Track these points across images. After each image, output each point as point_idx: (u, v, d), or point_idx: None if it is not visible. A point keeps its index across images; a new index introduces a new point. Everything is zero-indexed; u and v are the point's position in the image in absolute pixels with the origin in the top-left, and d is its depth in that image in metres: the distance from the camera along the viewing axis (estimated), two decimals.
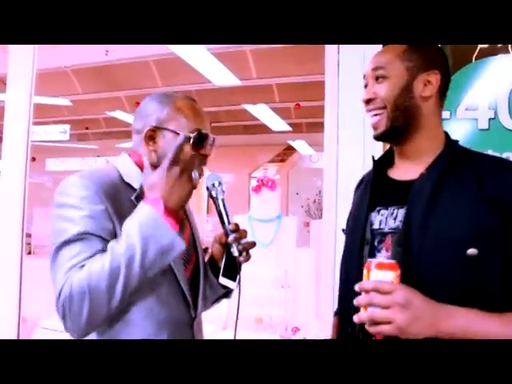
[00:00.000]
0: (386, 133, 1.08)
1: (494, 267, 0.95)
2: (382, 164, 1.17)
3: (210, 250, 1.31)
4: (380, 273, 0.89)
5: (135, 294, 1.05)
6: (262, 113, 6.34)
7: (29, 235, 6.81)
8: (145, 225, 1.02)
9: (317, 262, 2.53)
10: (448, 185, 1.01)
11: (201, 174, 1.17)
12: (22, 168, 2.49)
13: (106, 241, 1.05)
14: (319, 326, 2.37)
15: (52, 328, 2.83)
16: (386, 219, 1.06)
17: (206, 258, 1.33)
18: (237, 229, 1.18)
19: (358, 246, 1.08)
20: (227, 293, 1.30)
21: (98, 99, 6.17)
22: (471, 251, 0.94)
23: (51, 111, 6.32)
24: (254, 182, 3.31)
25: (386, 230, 1.06)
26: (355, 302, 0.90)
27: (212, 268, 1.27)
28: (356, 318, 0.89)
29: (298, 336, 2.54)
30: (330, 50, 2.14)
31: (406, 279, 0.91)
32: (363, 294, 0.89)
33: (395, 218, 1.05)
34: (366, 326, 0.88)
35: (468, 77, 1.95)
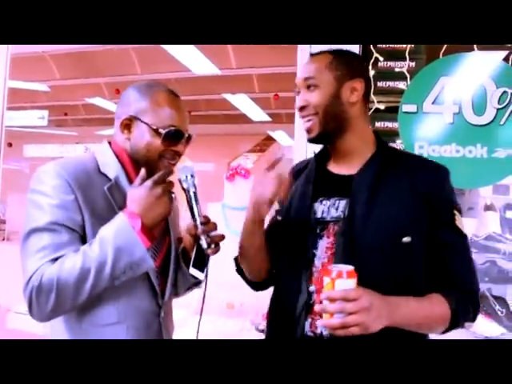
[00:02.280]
0: (319, 136, 1.18)
1: (419, 253, 1.10)
2: (322, 158, 1.26)
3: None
4: (344, 281, 0.96)
5: None
6: (242, 103, 6.36)
7: (3, 221, 6.77)
8: (120, 237, 1.06)
9: None
10: (384, 180, 1.14)
11: (171, 172, 1.19)
12: None
13: (73, 231, 1.09)
14: None
15: (25, 312, 2.83)
16: (329, 209, 1.16)
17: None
18: (207, 221, 1.19)
19: (304, 233, 1.17)
20: (198, 282, 1.32)
21: (77, 85, 6.12)
22: (406, 239, 1.09)
23: (28, 96, 6.25)
24: (227, 171, 3.36)
25: (328, 218, 1.16)
26: (319, 309, 0.97)
27: (184, 258, 1.29)
28: (324, 323, 0.97)
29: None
30: (303, 46, 2.19)
31: (348, 264, 0.99)
32: (327, 302, 0.95)
33: (337, 209, 1.15)
34: (333, 331, 0.96)
35: (435, 72, 2.01)
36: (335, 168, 1.23)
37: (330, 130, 1.18)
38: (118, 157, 1.21)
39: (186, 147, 1.24)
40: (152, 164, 1.20)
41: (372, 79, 2.27)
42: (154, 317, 1.22)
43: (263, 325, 2.61)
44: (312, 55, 1.24)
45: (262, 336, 2.52)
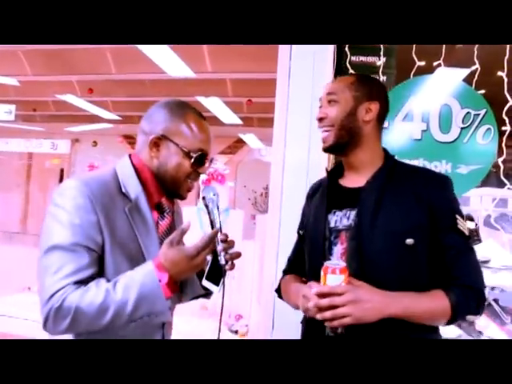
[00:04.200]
0: (332, 147, 1.32)
1: (423, 255, 1.23)
2: (334, 174, 1.40)
3: None
4: (334, 277, 1.11)
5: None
6: (214, 105, 6.41)
7: None
8: (145, 286, 1.08)
9: (261, 254, 2.65)
10: (389, 190, 1.27)
11: (191, 188, 1.26)
12: None
13: (93, 251, 1.10)
14: (261, 314, 2.53)
15: (7, 315, 2.83)
16: (341, 219, 1.31)
17: None
18: (226, 239, 1.19)
19: (320, 241, 1.32)
20: (207, 294, 1.34)
21: (49, 82, 6.03)
22: (409, 241, 1.21)
23: None
24: (203, 176, 3.39)
25: (341, 227, 1.30)
26: (313, 304, 1.12)
27: None
28: (318, 316, 1.12)
29: (241, 323, 2.69)
30: (283, 50, 2.28)
31: (359, 266, 1.21)
32: (318, 298, 1.11)
33: (348, 218, 1.30)
34: (329, 323, 1.12)
35: (406, 91, 2.15)
36: (346, 182, 1.37)
37: (343, 142, 1.31)
38: (139, 174, 1.23)
39: (208, 168, 1.30)
40: (177, 183, 1.23)
41: None
42: (158, 329, 1.26)
43: (236, 326, 2.69)
44: (337, 76, 1.39)
45: (235, 337, 2.60)
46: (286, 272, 1.55)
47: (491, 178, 2.31)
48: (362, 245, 1.23)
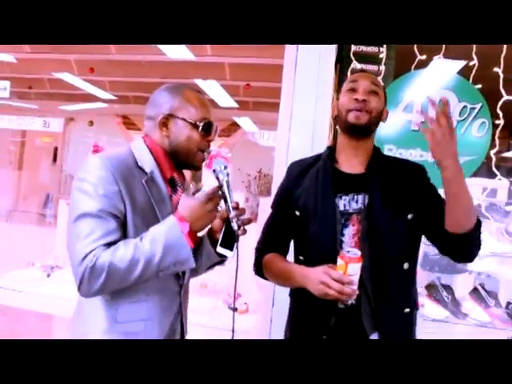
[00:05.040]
0: (364, 127, 1.45)
1: (417, 227, 1.46)
2: (331, 159, 1.53)
3: None
4: (355, 266, 1.27)
5: None
6: (212, 88, 6.43)
7: None
8: (170, 237, 1.19)
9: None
10: (387, 175, 1.46)
11: (204, 159, 1.37)
12: None
13: (118, 218, 1.20)
14: (259, 293, 2.63)
15: (6, 287, 2.91)
16: (349, 203, 1.45)
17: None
18: (237, 206, 1.30)
19: (332, 224, 1.44)
20: (222, 261, 1.44)
21: (46, 59, 6.00)
22: (410, 216, 1.43)
23: None
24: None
25: (351, 210, 1.45)
26: (338, 291, 1.26)
27: (210, 238, 1.40)
28: (342, 299, 1.31)
29: (240, 301, 2.79)
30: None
31: (371, 244, 1.40)
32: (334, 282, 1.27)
33: (357, 202, 1.45)
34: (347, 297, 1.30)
35: (406, 83, 2.24)
36: (343, 167, 1.51)
37: (370, 128, 1.47)
38: (152, 152, 1.33)
39: (216, 136, 1.38)
40: (191, 155, 1.34)
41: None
42: (176, 295, 1.37)
43: (236, 304, 2.78)
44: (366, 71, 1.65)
45: (235, 314, 2.69)
46: (262, 250, 1.60)
47: (482, 169, 2.41)
48: (375, 224, 1.41)
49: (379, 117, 1.49)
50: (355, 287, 1.28)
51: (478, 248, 1.42)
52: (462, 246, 1.38)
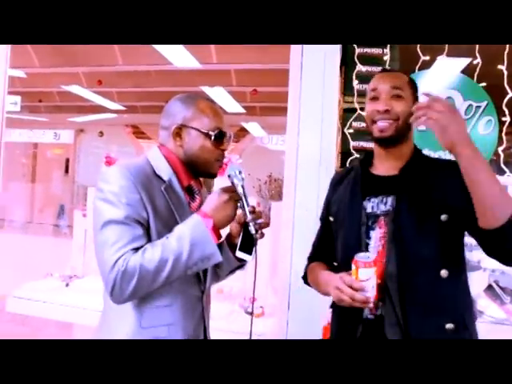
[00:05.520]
0: (391, 138, 1.38)
1: (454, 229, 1.33)
2: (365, 164, 1.49)
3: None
4: (365, 270, 1.23)
5: None
6: (219, 95, 6.49)
7: None
8: (195, 235, 1.22)
9: (275, 239, 2.71)
10: (421, 177, 1.36)
11: (220, 166, 1.38)
12: None
13: (142, 225, 1.23)
14: (275, 298, 2.66)
15: (23, 297, 2.97)
16: (378, 205, 1.40)
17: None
18: (254, 210, 1.31)
19: (357, 226, 1.40)
20: (241, 265, 1.45)
21: (55, 73, 6.11)
22: (443, 217, 1.31)
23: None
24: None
25: (379, 212, 1.39)
26: (349, 297, 1.24)
27: (229, 244, 1.41)
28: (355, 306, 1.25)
29: (256, 305, 2.82)
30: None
31: (398, 247, 1.31)
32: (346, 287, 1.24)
33: (385, 204, 1.39)
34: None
35: None
36: (377, 171, 1.46)
37: (401, 135, 1.39)
38: (168, 161, 1.35)
39: (230, 145, 1.40)
40: (207, 163, 1.36)
41: (352, 81, 2.51)
42: (198, 301, 1.38)
43: (251, 308, 2.82)
44: (388, 71, 1.50)
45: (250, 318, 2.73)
46: (311, 259, 1.62)
47: (491, 166, 2.42)
48: (401, 226, 1.33)
49: (408, 119, 1.31)
50: (369, 294, 1.24)
51: None
52: (499, 244, 1.21)
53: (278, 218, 2.49)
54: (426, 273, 1.32)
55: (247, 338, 1.39)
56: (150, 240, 1.25)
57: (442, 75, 2.24)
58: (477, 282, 2.55)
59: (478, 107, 2.18)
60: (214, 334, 1.49)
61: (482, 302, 2.39)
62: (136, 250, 1.20)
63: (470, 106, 2.19)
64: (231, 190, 1.30)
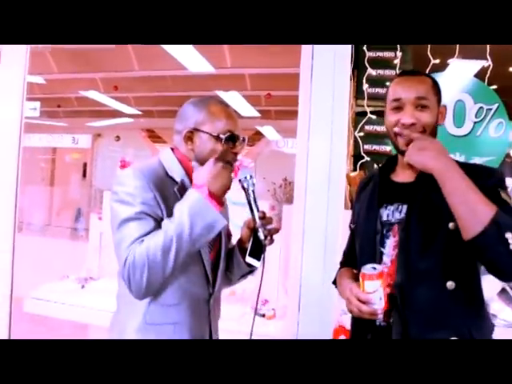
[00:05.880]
0: None
1: (461, 238, 1.20)
2: (386, 170, 1.44)
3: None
4: (371, 283, 1.20)
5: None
6: (233, 99, 6.53)
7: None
8: (192, 206, 1.21)
9: (286, 242, 2.71)
10: (436, 183, 1.22)
11: (232, 170, 1.32)
12: (16, 145, 2.55)
13: (156, 221, 1.24)
14: (287, 300, 2.67)
15: (41, 298, 3.03)
16: (393, 213, 1.34)
17: (235, 242, 1.47)
18: (264, 216, 1.30)
19: (372, 234, 1.36)
20: (252, 271, 1.45)
21: (73, 79, 6.21)
22: (451, 225, 1.22)
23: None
24: None
25: (393, 220, 1.34)
26: (356, 309, 1.23)
27: (240, 249, 1.42)
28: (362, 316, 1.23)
29: (268, 307, 2.84)
30: (306, 47, 2.36)
31: (407, 257, 1.26)
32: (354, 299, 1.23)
33: (400, 212, 1.33)
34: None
35: None
36: (398, 177, 1.40)
37: None
38: (181, 162, 1.36)
39: (243, 148, 1.40)
40: None
41: (363, 85, 2.52)
42: (205, 303, 1.38)
43: (263, 310, 2.84)
44: (409, 74, 1.38)
45: (263, 320, 2.75)
46: (342, 264, 1.60)
47: (505, 169, 2.41)
48: (409, 235, 1.28)
49: (435, 126, 1.33)
50: (376, 306, 1.20)
51: (510, 261, 1.11)
52: (480, 255, 1.17)
53: (290, 221, 2.50)
54: (431, 284, 1.26)
55: (257, 339, 1.38)
56: None
57: (453, 78, 2.24)
58: (490, 286, 2.54)
59: (489, 109, 2.17)
60: (226, 335, 1.50)
61: (496, 306, 2.38)
62: None
63: (481, 108, 2.18)
64: (224, 158, 1.27)
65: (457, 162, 1.25)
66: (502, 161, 2.22)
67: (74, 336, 3.40)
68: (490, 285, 2.57)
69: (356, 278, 1.33)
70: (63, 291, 3.14)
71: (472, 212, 1.13)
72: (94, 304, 2.85)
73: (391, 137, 1.34)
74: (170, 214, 1.25)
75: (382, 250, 1.34)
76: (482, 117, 2.18)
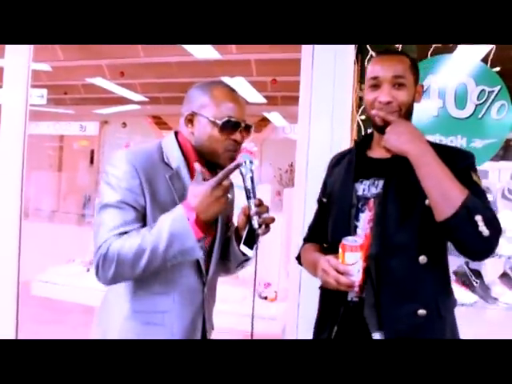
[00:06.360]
0: None
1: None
2: (362, 146, 1.47)
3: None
4: (351, 254, 1.22)
5: None
6: (239, 85, 6.52)
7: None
8: (175, 226, 1.17)
9: (288, 225, 2.71)
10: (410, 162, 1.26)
11: (233, 158, 1.29)
12: (21, 132, 2.56)
13: (137, 210, 1.23)
14: (288, 282, 2.69)
15: (47, 281, 3.10)
16: (369, 187, 1.37)
17: (233, 228, 1.44)
18: (260, 204, 1.25)
19: (347, 208, 1.38)
20: (248, 259, 1.40)
21: (79, 66, 6.24)
22: (427, 202, 1.24)
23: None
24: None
25: (369, 195, 1.36)
26: (334, 279, 1.23)
27: (236, 236, 1.37)
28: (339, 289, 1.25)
29: (270, 290, 2.87)
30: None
31: (382, 230, 1.29)
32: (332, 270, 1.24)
33: (376, 187, 1.36)
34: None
35: (423, 70, 2.24)
36: (374, 153, 1.43)
37: None
38: (182, 148, 1.33)
39: (247, 136, 1.34)
40: (215, 154, 1.31)
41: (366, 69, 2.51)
42: (198, 292, 1.35)
43: (265, 293, 2.88)
44: (388, 54, 1.39)
45: (265, 302, 2.78)
46: (306, 240, 1.61)
47: (510, 152, 2.41)
48: (386, 210, 1.31)
49: (411, 105, 1.35)
50: (354, 278, 1.22)
51: (478, 242, 1.17)
52: (451, 235, 1.22)
53: (291, 204, 2.51)
54: (405, 257, 1.29)
55: (259, 320, 1.38)
56: (144, 225, 1.24)
57: (454, 61, 2.23)
58: (492, 269, 2.55)
59: (491, 92, 2.16)
60: (229, 317, 1.48)
61: (497, 289, 2.39)
62: (124, 233, 1.21)
63: (483, 91, 2.17)
64: (225, 182, 1.19)
65: (431, 143, 1.29)
66: (503, 143, 2.21)
67: (81, 317, 3.47)
68: (492, 268, 2.60)
69: (324, 253, 1.37)
70: (69, 274, 3.21)
71: (444, 196, 1.18)
72: (98, 286, 2.90)
73: (369, 114, 1.36)
74: (155, 201, 1.25)
75: (357, 223, 1.36)
76: (484, 99, 2.17)
